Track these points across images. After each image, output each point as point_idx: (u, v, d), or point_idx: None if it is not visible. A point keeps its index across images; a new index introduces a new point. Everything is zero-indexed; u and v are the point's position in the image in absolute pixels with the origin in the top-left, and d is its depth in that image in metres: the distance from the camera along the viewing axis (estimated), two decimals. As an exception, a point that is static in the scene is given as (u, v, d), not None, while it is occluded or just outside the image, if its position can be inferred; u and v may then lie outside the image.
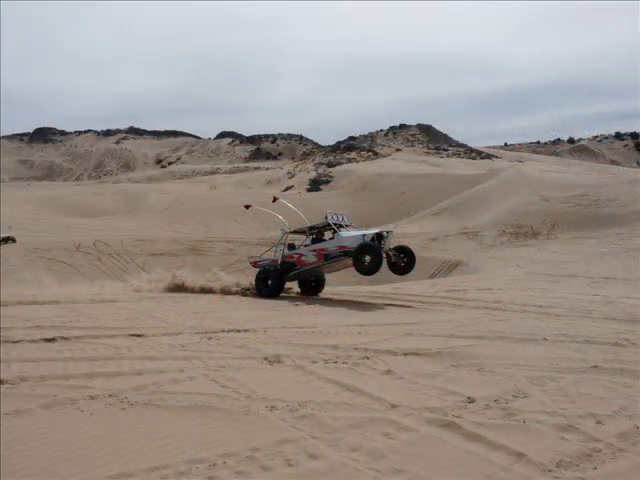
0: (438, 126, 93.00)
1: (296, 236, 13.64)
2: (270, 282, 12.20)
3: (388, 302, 11.00)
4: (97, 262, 26.42)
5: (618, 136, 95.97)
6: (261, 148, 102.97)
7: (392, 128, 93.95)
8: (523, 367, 5.35)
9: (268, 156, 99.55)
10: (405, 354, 5.80)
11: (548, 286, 14.05)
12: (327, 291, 13.43)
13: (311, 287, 13.13)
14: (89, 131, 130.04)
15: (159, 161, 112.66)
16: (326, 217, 12.35)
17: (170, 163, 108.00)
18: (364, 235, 11.56)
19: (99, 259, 26.77)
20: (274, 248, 13.43)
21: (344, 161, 71.56)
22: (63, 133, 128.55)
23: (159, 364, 5.07)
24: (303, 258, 12.24)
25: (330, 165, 68.86)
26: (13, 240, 28.44)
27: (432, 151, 78.39)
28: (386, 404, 4.10)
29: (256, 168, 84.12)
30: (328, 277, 13.60)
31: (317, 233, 12.87)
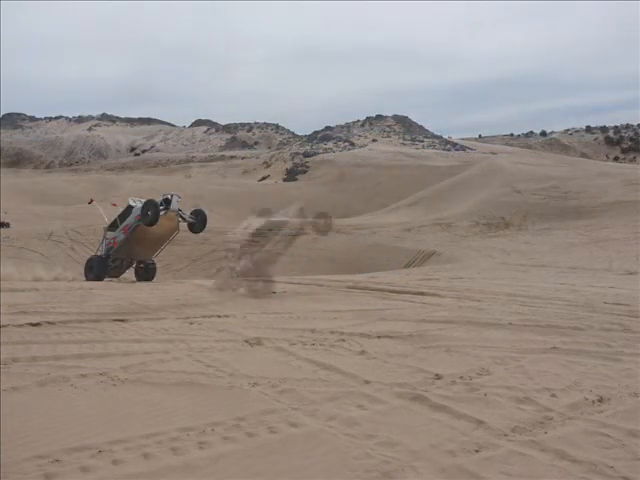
0: (412, 117, 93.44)
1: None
2: (94, 268, 14.64)
3: (363, 290, 11.34)
4: (70, 251, 26.21)
5: (589, 129, 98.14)
6: (237, 137, 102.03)
7: (368, 118, 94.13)
8: (488, 348, 5.72)
9: (244, 145, 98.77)
10: (378, 337, 6.13)
11: (517, 275, 14.58)
12: (302, 279, 13.72)
13: (143, 273, 15.40)
14: (60, 117, 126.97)
15: (133, 149, 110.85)
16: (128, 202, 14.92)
17: (144, 151, 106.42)
18: (151, 200, 14.04)
19: (72, 248, 26.55)
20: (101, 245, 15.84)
21: (321, 151, 71.69)
22: (33, 119, 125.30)
23: (144, 346, 5.31)
24: (117, 239, 14.74)
25: (307, 155, 68.95)
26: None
27: (408, 142, 78.98)
28: (360, 380, 4.42)
29: (232, 157, 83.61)
30: (309, 266, 13.93)
31: (125, 217, 14.92)
